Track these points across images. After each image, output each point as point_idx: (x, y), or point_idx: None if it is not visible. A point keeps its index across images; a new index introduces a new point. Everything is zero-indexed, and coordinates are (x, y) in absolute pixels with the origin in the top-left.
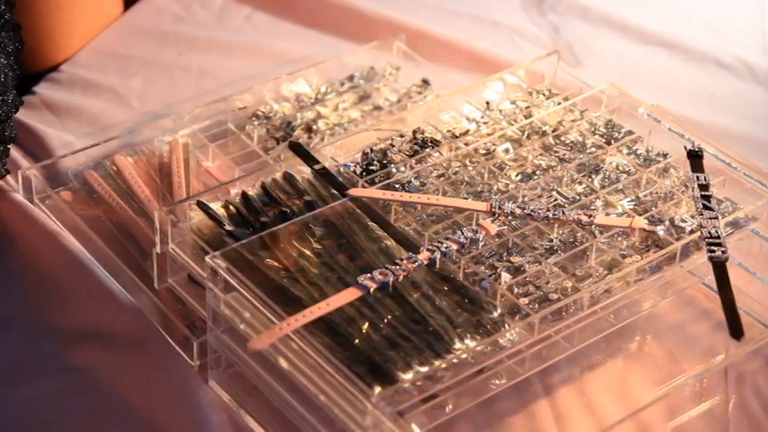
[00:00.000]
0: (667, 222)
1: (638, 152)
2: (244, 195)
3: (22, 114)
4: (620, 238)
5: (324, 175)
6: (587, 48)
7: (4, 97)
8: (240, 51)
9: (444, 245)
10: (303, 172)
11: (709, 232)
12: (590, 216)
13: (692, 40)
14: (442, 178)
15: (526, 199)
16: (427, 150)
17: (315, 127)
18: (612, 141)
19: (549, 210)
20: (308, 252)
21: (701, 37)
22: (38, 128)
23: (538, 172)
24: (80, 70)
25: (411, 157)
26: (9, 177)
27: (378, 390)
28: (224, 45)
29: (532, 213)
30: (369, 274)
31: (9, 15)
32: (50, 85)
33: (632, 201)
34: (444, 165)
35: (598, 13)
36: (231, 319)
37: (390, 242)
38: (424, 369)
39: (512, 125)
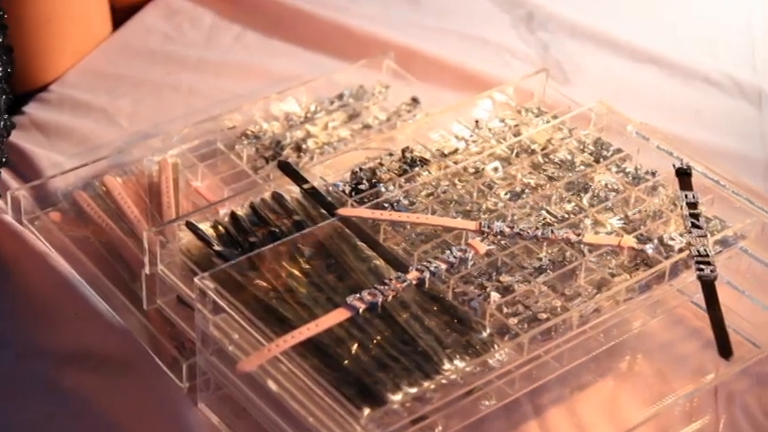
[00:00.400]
0: (656, 241)
1: (627, 170)
2: (233, 215)
3: (11, 135)
4: (609, 257)
5: (313, 194)
6: (576, 65)
7: None
8: (230, 70)
9: (433, 264)
10: (292, 191)
11: (698, 251)
12: (579, 235)
13: (680, 57)
14: (431, 197)
15: (515, 218)
16: (416, 169)
17: (304, 146)
18: (601, 159)
19: (537, 229)
20: (296, 272)
21: (690, 54)
22: (27, 148)
23: (527, 191)
24: (69, 90)
25: (400, 176)
26: None
27: (367, 411)
28: (214, 64)
29: (521, 232)
30: (358, 295)
31: (1, 39)
32: (40, 105)
33: (621, 219)
34: (433, 183)
35: (587, 30)
36: (220, 341)
37: (379, 262)
38: (413, 390)
39: (501, 143)
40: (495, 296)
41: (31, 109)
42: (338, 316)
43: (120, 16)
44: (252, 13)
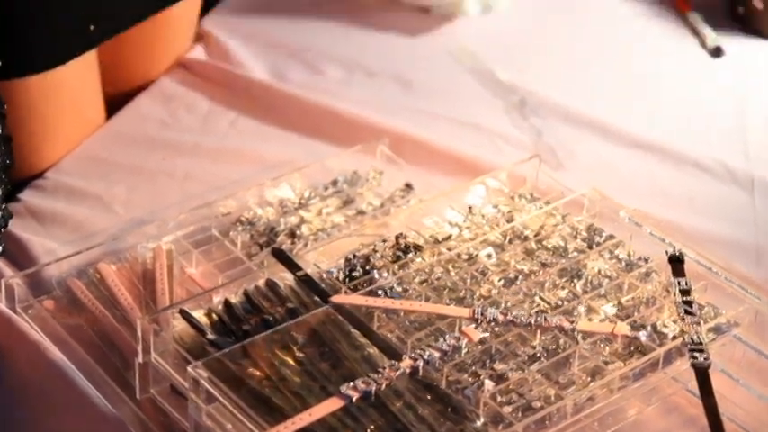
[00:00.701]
0: (650, 328)
1: (620, 257)
2: (226, 303)
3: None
4: (602, 344)
5: (306, 282)
6: (569, 151)
7: None
8: (225, 156)
9: (427, 352)
10: (286, 278)
11: (692, 338)
12: (572, 322)
13: (673, 144)
14: (424, 284)
15: (509, 304)
16: (410, 256)
17: (298, 232)
18: (594, 246)
19: (531, 316)
20: (290, 360)
21: (682, 140)
22: (22, 236)
23: (520, 277)
24: (64, 177)
25: (394, 262)
26: None
27: None
28: (209, 150)
29: (515, 320)
30: (351, 383)
31: (0, 129)
32: (35, 193)
33: (615, 306)
34: (427, 270)
35: (580, 116)
36: (213, 430)
37: (373, 350)
38: None
39: (494, 230)
40: (488, 384)
41: (27, 196)
42: (331, 405)
43: (114, 104)
44: (245, 99)
